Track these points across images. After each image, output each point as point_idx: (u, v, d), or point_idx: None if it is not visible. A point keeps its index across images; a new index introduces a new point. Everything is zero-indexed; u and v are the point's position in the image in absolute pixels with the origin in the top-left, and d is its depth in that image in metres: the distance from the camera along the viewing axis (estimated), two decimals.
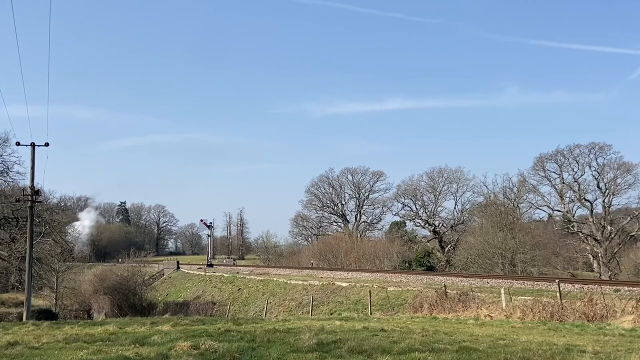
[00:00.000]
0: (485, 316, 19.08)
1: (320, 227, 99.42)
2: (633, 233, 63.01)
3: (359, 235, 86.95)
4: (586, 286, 26.84)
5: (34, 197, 31.71)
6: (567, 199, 68.14)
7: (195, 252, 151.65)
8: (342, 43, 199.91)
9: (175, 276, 71.64)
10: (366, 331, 13.59)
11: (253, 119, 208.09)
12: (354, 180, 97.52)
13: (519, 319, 18.02)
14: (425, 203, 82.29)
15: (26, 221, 33.64)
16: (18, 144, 32.86)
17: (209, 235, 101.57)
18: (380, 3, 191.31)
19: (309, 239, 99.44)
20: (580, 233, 65.30)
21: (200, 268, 70.82)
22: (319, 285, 40.61)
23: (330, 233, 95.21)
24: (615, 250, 61.49)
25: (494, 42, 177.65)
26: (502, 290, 22.11)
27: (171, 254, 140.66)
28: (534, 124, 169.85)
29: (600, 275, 56.40)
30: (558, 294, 19.77)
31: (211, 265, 76.44)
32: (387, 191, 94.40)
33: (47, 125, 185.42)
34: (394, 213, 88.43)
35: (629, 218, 63.23)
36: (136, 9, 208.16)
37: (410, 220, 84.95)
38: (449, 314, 20.51)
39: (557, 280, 23.48)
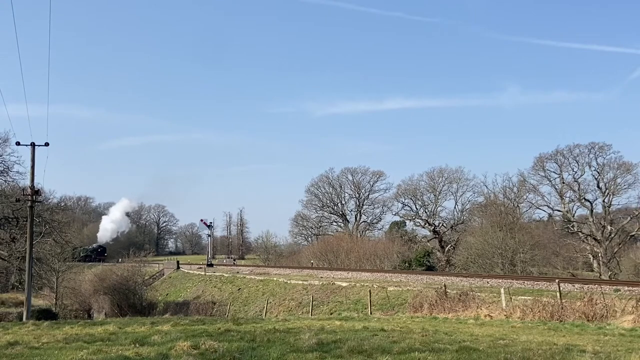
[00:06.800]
0: (485, 316, 19.08)
1: (320, 227, 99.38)
2: (633, 233, 63.01)
3: (359, 235, 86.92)
4: (586, 286, 26.80)
5: (34, 197, 31.72)
6: (567, 198, 68.17)
7: (195, 252, 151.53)
8: (342, 43, 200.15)
9: (175, 276, 71.62)
10: (366, 331, 13.60)
11: (253, 119, 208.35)
12: (354, 180, 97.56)
13: (519, 318, 18.02)
14: (425, 203, 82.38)
15: (26, 221, 33.64)
16: (18, 143, 32.88)
17: (209, 235, 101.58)
18: (380, 2, 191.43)
19: (309, 238, 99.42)
20: (580, 233, 65.28)
21: (200, 268, 70.79)
22: (319, 285, 40.60)
23: (330, 233, 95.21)
24: (615, 250, 61.48)
25: (494, 42, 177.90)
26: (502, 290, 22.09)
27: (171, 253, 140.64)
28: (534, 124, 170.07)
29: (600, 275, 56.37)
30: (558, 294, 19.76)
31: (211, 265, 76.42)
32: (387, 191, 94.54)
33: (47, 125, 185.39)
34: (394, 213, 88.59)
35: (629, 218, 63.22)
36: (136, 9, 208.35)
37: (410, 220, 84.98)
38: (449, 313, 20.50)
39: (557, 280, 23.48)
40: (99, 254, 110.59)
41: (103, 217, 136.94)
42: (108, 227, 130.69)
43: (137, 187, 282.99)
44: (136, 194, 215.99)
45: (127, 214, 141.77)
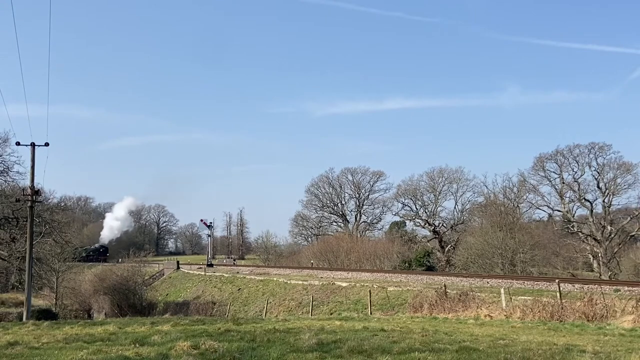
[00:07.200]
0: (485, 316, 19.08)
1: (320, 227, 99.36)
2: (633, 233, 63.00)
3: (359, 235, 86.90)
4: (586, 286, 26.81)
5: (34, 197, 31.71)
6: (567, 199, 68.16)
7: (195, 252, 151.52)
8: (342, 43, 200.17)
9: (175, 276, 71.64)
10: (366, 331, 13.60)
11: (253, 119, 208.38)
12: (354, 180, 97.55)
13: (519, 318, 18.02)
14: (425, 203, 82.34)
15: (26, 221, 33.63)
16: (18, 144, 32.84)
17: (209, 235, 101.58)
18: (380, 2, 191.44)
19: (309, 239, 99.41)
20: (580, 233, 65.28)
21: (200, 268, 70.81)
22: (319, 285, 40.61)
23: (330, 233, 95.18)
24: (615, 250, 61.47)
25: (494, 42, 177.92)
26: (502, 290, 22.10)
27: (171, 253, 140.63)
28: (534, 124, 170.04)
29: (600, 275, 56.36)
30: (558, 294, 19.76)
31: (211, 265, 76.44)
32: (387, 191, 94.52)
33: (47, 125, 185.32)
34: (394, 213, 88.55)
35: (629, 218, 63.21)
36: (136, 9, 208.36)
37: (410, 220, 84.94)
38: (449, 313, 20.50)
39: (557, 280, 23.48)
40: (101, 254, 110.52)
41: (107, 214, 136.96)
42: (113, 225, 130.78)
43: (138, 187, 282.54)
44: (137, 194, 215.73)
45: (130, 213, 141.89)
